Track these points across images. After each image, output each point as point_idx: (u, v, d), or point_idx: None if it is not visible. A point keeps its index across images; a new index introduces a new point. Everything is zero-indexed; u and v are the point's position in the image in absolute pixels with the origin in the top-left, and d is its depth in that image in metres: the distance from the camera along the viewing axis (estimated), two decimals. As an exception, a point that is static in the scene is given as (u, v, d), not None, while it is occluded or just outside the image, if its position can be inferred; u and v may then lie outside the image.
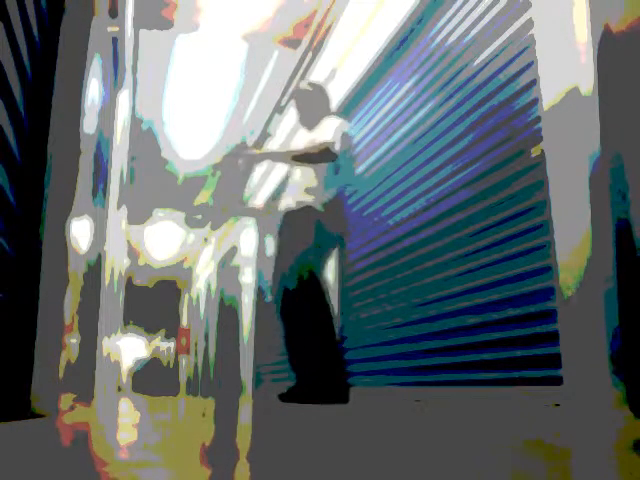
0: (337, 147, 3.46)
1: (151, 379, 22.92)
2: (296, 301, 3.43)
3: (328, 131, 3.49)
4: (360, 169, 4.76)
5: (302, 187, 3.59)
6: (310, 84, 3.81)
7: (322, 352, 3.35)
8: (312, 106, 3.77)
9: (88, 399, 4.76)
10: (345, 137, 3.54)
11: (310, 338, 3.39)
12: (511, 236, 2.78)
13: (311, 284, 3.41)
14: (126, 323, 21.10)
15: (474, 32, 3.25)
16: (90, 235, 4.21)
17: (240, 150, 3.51)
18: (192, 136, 8.08)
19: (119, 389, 18.76)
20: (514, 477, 0.72)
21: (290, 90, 6.66)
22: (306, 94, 3.77)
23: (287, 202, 3.64)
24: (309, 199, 3.53)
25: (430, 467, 0.82)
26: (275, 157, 3.51)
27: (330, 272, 5.11)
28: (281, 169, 7.26)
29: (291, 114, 6.83)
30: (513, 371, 2.72)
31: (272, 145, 7.65)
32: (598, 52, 2.24)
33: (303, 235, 3.47)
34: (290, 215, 3.58)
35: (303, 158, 3.43)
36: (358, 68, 4.79)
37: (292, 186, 3.66)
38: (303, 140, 3.67)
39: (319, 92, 3.79)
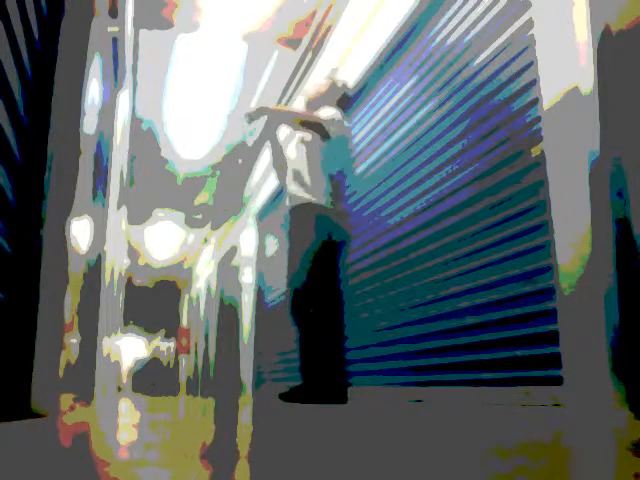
0: (331, 129, 3.60)
1: (151, 379, 22.91)
2: (307, 299, 3.43)
3: (325, 113, 3.64)
4: (360, 169, 4.76)
5: (305, 182, 3.61)
6: (330, 81, 3.94)
7: (325, 352, 3.35)
8: (321, 98, 3.92)
9: (88, 399, 4.76)
10: (339, 124, 3.67)
11: (317, 337, 3.39)
12: (511, 236, 2.78)
13: (324, 278, 3.43)
14: (126, 323, 21.10)
15: (474, 32, 3.25)
16: (90, 235, 4.21)
17: (256, 112, 3.62)
18: (192, 136, 8.08)
19: (119, 389, 18.76)
20: (514, 477, 0.72)
21: (290, 90, 6.66)
22: (322, 90, 3.92)
23: (292, 197, 3.66)
24: (314, 194, 3.55)
25: (430, 467, 0.82)
26: (282, 116, 3.63)
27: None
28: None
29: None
30: (513, 371, 2.72)
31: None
32: (598, 52, 2.24)
33: (312, 229, 3.49)
34: (297, 210, 3.59)
35: (305, 124, 3.59)
36: (358, 68, 4.79)
37: (295, 184, 3.68)
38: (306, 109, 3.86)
39: (334, 89, 3.94)
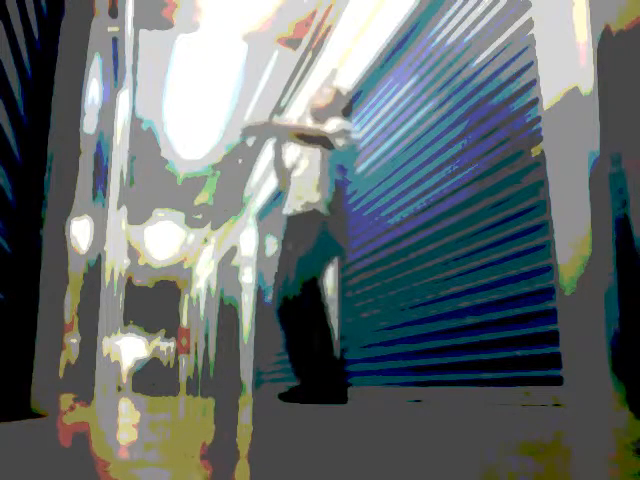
0: (338, 142, 3.54)
1: (151, 379, 22.91)
2: (296, 303, 3.43)
3: (332, 125, 3.59)
4: (360, 169, 4.76)
5: (304, 190, 3.60)
6: (332, 89, 3.90)
7: (320, 354, 3.35)
8: (327, 109, 3.87)
9: (88, 399, 4.76)
10: (348, 136, 3.60)
11: (308, 340, 3.39)
12: (511, 236, 2.78)
13: (312, 288, 3.42)
14: (126, 323, 21.10)
15: (474, 32, 3.25)
16: (90, 235, 4.21)
17: (251, 127, 3.55)
18: (192, 136, 8.08)
19: (119, 389, 18.76)
20: (514, 477, 0.72)
21: (290, 90, 6.66)
22: (325, 98, 3.87)
23: (291, 205, 3.64)
24: (313, 203, 3.54)
25: (429, 467, 0.82)
26: (279, 131, 3.57)
27: (330, 274, 5.11)
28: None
29: (292, 112, 6.83)
30: (513, 371, 2.72)
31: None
32: (598, 52, 2.24)
33: (306, 238, 3.48)
34: (294, 218, 3.58)
35: (303, 138, 3.53)
36: (358, 68, 4.79)
37: (294, 189, 3.67)
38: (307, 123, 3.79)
39: (338, 97, 3.90)
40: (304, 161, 3.69)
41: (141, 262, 15.96)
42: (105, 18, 3.93)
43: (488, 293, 2.94)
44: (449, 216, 3.38)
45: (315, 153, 3.64)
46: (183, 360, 17.82)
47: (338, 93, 3.91)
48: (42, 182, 2.33)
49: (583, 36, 2.29)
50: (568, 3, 2.39)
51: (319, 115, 3.86)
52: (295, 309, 3.43)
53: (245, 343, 8.68)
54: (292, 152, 3.81)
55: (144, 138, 8.16)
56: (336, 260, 3.56)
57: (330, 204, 3.56)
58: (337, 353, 3.41)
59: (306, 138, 3.54)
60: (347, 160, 3.68)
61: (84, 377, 4.63)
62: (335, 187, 3.61)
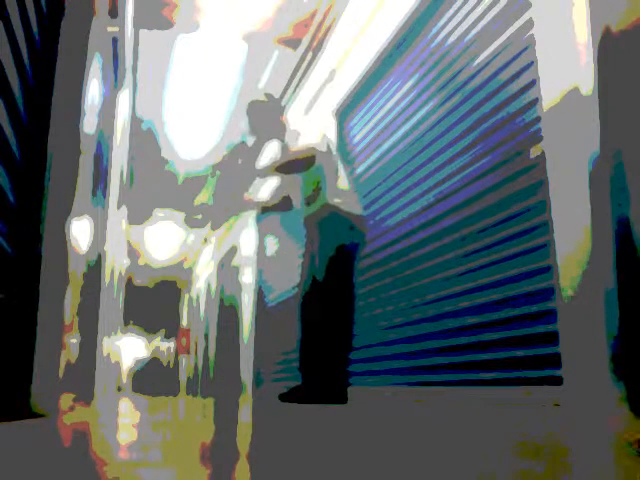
0: (322, 149, 3.45)
1: (151, 379, 22.91)
2: (320, 299, 3.38)
3: (308, 137, 3.48)
4: (360, 169, 4.76)
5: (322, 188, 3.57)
6: (259, 99, 3.75)
7: (330, 352, 3.33)
8: (264, 117, 3.73)
9: (88, 399, 4.76)
10: (328, 141, 3.52)
11: (327, 337, 3.36)
12: (511, 236, 2.78)
13: (338, 282, 3.39)
14: (126, 323, 21.09)
15: (474, 32, 3.25)
16: (90, 235, 4.21)
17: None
18: (192, 136, 8.08)
19: (119, 389, 18.75)
20: (514, 477, 0.72)
21: (290, 90, 6.66)
22: (258, 106, 3.72)
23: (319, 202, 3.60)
24: (338, 200, 3.50)
25: (430, 467, 0.82)
26: (261, 173, 3.52)
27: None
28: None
29: (291, 113, 6.83)
30: (513, 371, 2.72)
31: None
32: (598, 52, 2.24)
33: (336, 235, 3.43)
34: (318, 214, 3.52)
35: (285, 168, 3.43)
36: (358, 68, 4.79)
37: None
38: (283, 151, 3.62)
39: (270, 103, 3.75)
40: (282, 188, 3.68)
41: (141, 262, 15.96)
42: (105, 18, 3.93)
43: (488, 293, 2.94)
44: (449, 216, 3.38)
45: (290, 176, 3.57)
46: (183, 360, 17.82)
47: (266, 99, 3.72)
48: (42, 182, 2.33)
49: (583, 36, 2.29)
50: (568, 3, 2.39)
51: (262, 128, 3.72)
52: (322, 302, 3.37)
53: (245, 343, 8.68)
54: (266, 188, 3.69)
55: (144, 138, 8.15)
56: (359, 250, 3.49)
57: (353, 201, 3.50)
58: (347, 352, 3.37)
59: (290, 165, 3.43)
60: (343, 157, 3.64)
61: (84, 377, 4.63)
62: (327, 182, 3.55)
